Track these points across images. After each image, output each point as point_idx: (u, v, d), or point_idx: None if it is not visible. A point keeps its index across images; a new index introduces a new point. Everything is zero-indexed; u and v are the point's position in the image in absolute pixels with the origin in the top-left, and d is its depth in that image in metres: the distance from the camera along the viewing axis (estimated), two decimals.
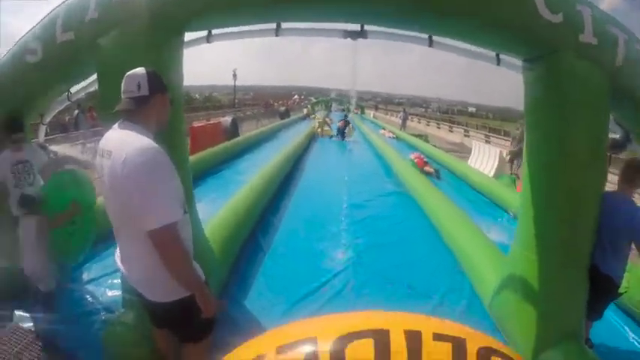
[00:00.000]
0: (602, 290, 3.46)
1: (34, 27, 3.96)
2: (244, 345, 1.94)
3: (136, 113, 2.13)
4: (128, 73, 2.17)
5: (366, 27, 3.91)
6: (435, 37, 3.95)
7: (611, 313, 4.42)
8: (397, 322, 1.72)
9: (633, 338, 4.33)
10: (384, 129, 28.86)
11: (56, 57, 3.78)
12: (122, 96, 2.17)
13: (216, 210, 6.01)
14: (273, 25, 4.00)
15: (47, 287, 4.25)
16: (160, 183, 1.94)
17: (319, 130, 23.72)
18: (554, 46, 3.26)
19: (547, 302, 3.48)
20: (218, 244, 4.73)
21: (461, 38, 3.78)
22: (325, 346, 1.59)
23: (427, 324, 1.74)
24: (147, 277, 2.14)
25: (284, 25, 4.02)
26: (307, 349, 1.62)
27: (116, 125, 2.16)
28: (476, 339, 1.70)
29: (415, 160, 12.61)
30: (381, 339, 1.58)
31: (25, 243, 4.13)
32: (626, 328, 4.48)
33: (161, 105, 2.23)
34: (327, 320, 1.95)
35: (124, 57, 3.20)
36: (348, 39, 4.10)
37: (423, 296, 4.77)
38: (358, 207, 8.22)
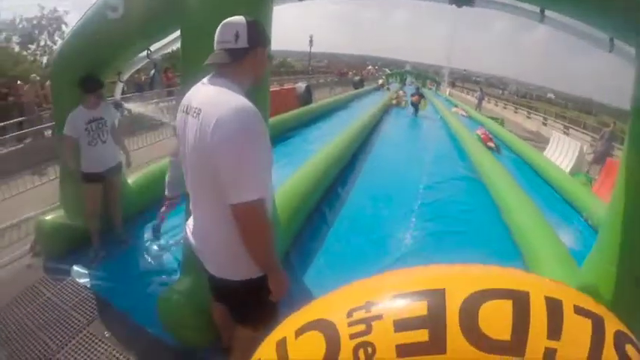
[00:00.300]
0: None
1: None
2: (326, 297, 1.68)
3: (230, 67, 1.90)
4: (225, 21, 1.92)
5: None
6: (547, 12, 3.47)
7: None
8: (538, 285, 1.44)
9: None
10: (456, 106, 27.62)
11: (138, 12, 3.70)
12: (215, 47, 1.94)
13: (284, 178, 6.00)
14: None
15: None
16: (256, 152, 1.72)
17: (395, 100, 24.42)
18: None
19: (621, 317, 3.25)
20: (283, 213, 4.73)
21: (575, 14, 3.29)
22: (455, 302, 1.30)
23: (568, 294, 1.47)
24: (220, 253, 2.00)
25: None
26: (433, 301, 1.31)
27: (205, 79, 1.96)
28: (612, 320, 1.49)
29: (482, 136, 12.92)
30: (521, 303, 1.31)
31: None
32: None
33: (260, 60, 1.98)
34: (453, 270, 1.60)
35: (210, 10, 3.03)
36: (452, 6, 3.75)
37: None
38: (429, 188, 7.96)
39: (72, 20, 28.86)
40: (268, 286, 1.96)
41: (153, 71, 16.82)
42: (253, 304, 2.06)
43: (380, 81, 43.63)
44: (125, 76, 5.49)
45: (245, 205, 1.72)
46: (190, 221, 2.18)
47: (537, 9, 3.51)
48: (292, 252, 4.84)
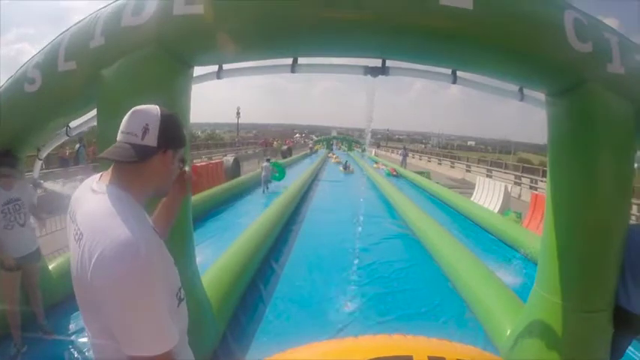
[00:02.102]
0: (626, 329, 3.32)
1: (35, 55, 3.84)
2: None
3: (130, 168, 1.51)
4: (135, 108, 1.54)
5: (388, 63, 3.70)
6: (458, 73, 3.75)
7: (632, 349, 4.22)
8: (422, 348, 1.65)
9: None
10: (376, 162, 31.48)
11: (56, 87, 3.64)
12: (118, 136, 1.53)
13: (215, 256, 5.79)
14: (289, 61, 3.72)
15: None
16: (149, 296, 1.33)
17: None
18: (582, 77, 3.12)
19: (571, 347, 3.35)
20: (216, 293, 4.53)
21: (486, 72, 3.60)
22: None
23: (451, 350, 1.68)
24: None
25: (301, 60, 3.75)
26: None
27: (96, 181, 1.55)
28: None
29: (388, 169, 13.69)
30: None
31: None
32: None
33: (167, 166, 1.59)
34: (347, 344, 1.89)
35: (128, 90, 3.05)
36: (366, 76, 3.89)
37: None
38: (364, 251, 7.93)
39: None
40: None
41: (78, 145, 16.18)
42: None
43: (309, 149, 45.98)
44: (44, 153, 5.15)
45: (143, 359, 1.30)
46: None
47: (449, 71, 3.75)
48: (229, 334, 4.50)
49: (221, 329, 4.35)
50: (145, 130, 1.48)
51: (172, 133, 1.56)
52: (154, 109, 1.54)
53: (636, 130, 3.21)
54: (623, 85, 3.14)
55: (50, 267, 5.18)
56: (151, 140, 1.48)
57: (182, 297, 1.61)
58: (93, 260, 1.30)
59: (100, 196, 1.46)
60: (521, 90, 3.89)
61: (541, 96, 3.66)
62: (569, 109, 3.32)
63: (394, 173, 22.05)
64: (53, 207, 9.60)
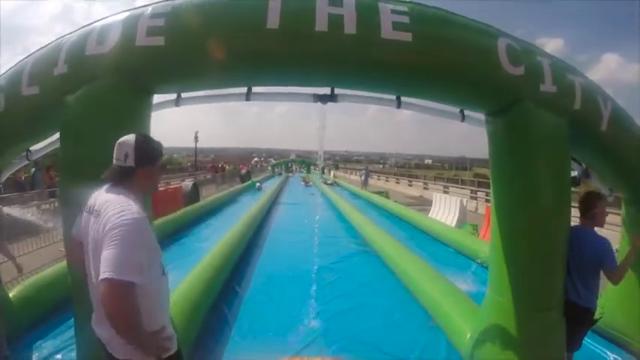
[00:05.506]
0: (579, 322, 3.56)
1: None
2: None
3: (121, 181, 2.17)
4: (120, 140, 2.20)
5: (336, 90, 3.94)
6: (402, 98, 4.01)
7: (588, 339, 4.46)
8: None
9: (614, 358, 4.58)
10: (324, 178, 36.07)
11: (18, 112, 3.64)
12: (113, 161, 2.20)
13: (177, 282, 5.70)
14: (244, 90, 3.95)
15: None
16: (128, 243, 1.92)
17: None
18: (516, 98, 3.42)
19: (527, 346, 3.55)
20: (179, 318, 4.46)
21: (428, 97, 3.88)
22: None
23: None
24: (116, 337, 2.02)
25: (255, 89, 3.98)
26: None
27: (106, 187, 2.21)
28: None
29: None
30: None
31: None
32: (605, 350, 4.72)
33: (146, 178, 2.24)
34: None
35: (90, 117, 3.17)
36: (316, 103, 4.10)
37: (399, 359, 4.63)
38: (325, 270, 8.04)
39: None
40: None
41: (34, 169, 15.67)
42: None
43: (269, 171, 47.52)
44: (3, 178, 4.98)
45: (107, 282, 1.83)
46: (94, 315, 2.26)
47: (394, 97, 4.03)
48: (195, 359, 4.48)
49: (187, 354, 4.25)
50: (126, 156, 2.15)
51: (147, 153, 2.21)
52: (131, 138, 2.19)
53: (571, 139, 3.57)
54: (555, 102, 3.49)
55: (11, 295, 5.01)
56: (131, 162, 2.15)
57: (166, 272, 2.28)
58: (107, 216, 1.98)
59: (110, 192, 2.16)
60: (462, 112, 4.20)
61: (481, 116, 3.99)
62: (506, 126, 3.65)
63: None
64: (12, 233, 9.25)
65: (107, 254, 1.89)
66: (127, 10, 3.40)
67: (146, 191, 2.40)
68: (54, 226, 8.85)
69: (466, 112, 4.22)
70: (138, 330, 1.99)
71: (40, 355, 4.51)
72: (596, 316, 3.69)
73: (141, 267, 1.94)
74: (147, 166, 2.21)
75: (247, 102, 4.08)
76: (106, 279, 1.83)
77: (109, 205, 2.04)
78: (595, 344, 4.78)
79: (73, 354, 3.99)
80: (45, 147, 4.63)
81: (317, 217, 13.47)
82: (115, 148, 2.19)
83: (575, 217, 3.70)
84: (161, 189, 16.43)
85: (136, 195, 2.18)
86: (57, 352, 4.51)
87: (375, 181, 40.44)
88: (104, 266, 1.86)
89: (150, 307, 2.08)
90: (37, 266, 7.41)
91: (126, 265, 1.88)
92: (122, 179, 2.17)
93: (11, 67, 3.78)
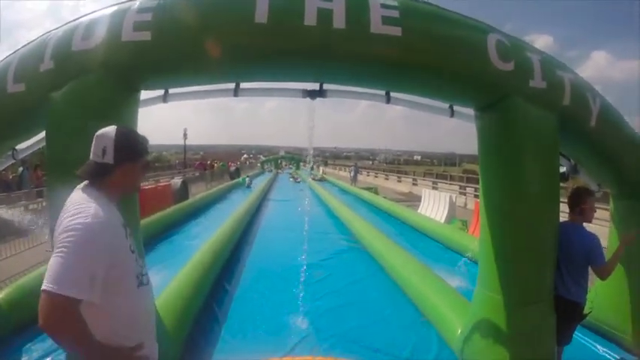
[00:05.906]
0: (569, 317, 3.61)
1: None
2: None
3: (97, 181, 1.89)
4: (99, 132, 1.91)
5: (325, 86, 3.92)
6: (392, 94, 4.01)
7: (578, 334, 4.51)
8: None
9: (604, 351, 4.63)
10: (312, 174, 36.69)
11: (4, 110, 3.58)
12: (90, 156, 1.91)
13: (167, 280, 5.69)
14: (232, 85, 3.89)
15: None
16: (76, 252, 1.65)
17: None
18: (505, 93, 3.43)
19: (518, 339, 3.58)
20: (170, 316, 4.46)
21: (418, 92, 3.90)
22: None
23: None
24: None
25: (243, 85, 3.93)
26: None
27: (81, 185, 1.93)
28: None
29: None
30: None
31: None
32: (595, 344, 4.76)
33: (126, 176, 1.96)
34: None
35: (76, 113, 3.09)
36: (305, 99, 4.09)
37: (391, 356, 4.61)
38: (315, 267, 7.99)
39: None
40: None
41: (21, 168, 15.54)
42: None
43: (258, 167, 47.65)
44: None
45: (45, 295, 1.62)
46: None
47: (383, 92, 4.02)
48: (186, 357, 4.44)
49: (177, 352, 4.29)
50: (104, 152, 1.87)
51: (128, 149, 1.94)
52: (111, 131, 1.91)
53: (560, 135, 3.60)
54: (545, 97, 3.51)
55: None
56: (109, 158, 1.87)
57: (146, 282, 2.00)
58: (62, 218, 1.76)
59: (80, 191, 1.89)
60: (451, 107, 4.23)
61: (470, 111, 4.00)
62: (495, 121, 3.67)
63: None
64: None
65: (51, 262, 1.65)
66: (114, 5, 3.34)
67: (126, 192, 2.09)
68: (41, 226, 8.54)
69: (455, 108, 4.24)
70: (89, 346, 1.71)
71: (30, 358, 4.45)
72: (586, 310, 3.72)
73: (91, 280, 1.67)
74: (127, 164, 1.93)
75: (236, 98, 4.05)
76: (44, 291, 1.61)
77: (69, 206, 1.80)
78: (585, 338, 4.84)
79: (62, 357, 3.95)
80: (31, 145, 4.55)
81: (306, 214, 13.44)
82: (93, 140, 1.90)
83: (564, 213, 3.74)
84: (150, 187, 16.38)
85: (112, 196, 1.93)
86: (46, 355, 4.44)
87: (365, 177, 40.55)
88: (46, 275, 1.63)
89: (117, 323, 1.84)
90: (26, 267, 7.30)
91: (69, 278, 1.63)
92: (98, 177, 1.89)
93: None
